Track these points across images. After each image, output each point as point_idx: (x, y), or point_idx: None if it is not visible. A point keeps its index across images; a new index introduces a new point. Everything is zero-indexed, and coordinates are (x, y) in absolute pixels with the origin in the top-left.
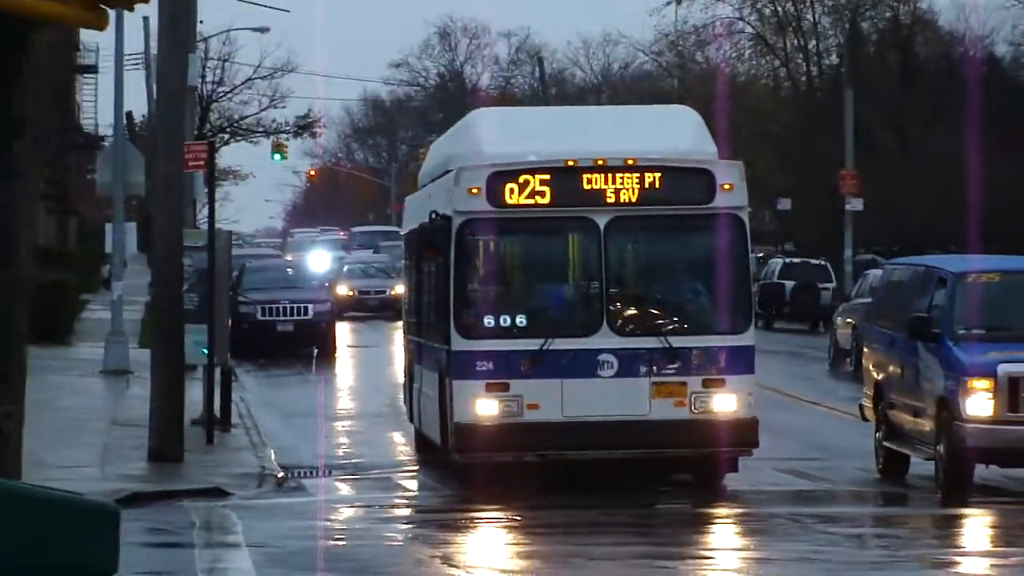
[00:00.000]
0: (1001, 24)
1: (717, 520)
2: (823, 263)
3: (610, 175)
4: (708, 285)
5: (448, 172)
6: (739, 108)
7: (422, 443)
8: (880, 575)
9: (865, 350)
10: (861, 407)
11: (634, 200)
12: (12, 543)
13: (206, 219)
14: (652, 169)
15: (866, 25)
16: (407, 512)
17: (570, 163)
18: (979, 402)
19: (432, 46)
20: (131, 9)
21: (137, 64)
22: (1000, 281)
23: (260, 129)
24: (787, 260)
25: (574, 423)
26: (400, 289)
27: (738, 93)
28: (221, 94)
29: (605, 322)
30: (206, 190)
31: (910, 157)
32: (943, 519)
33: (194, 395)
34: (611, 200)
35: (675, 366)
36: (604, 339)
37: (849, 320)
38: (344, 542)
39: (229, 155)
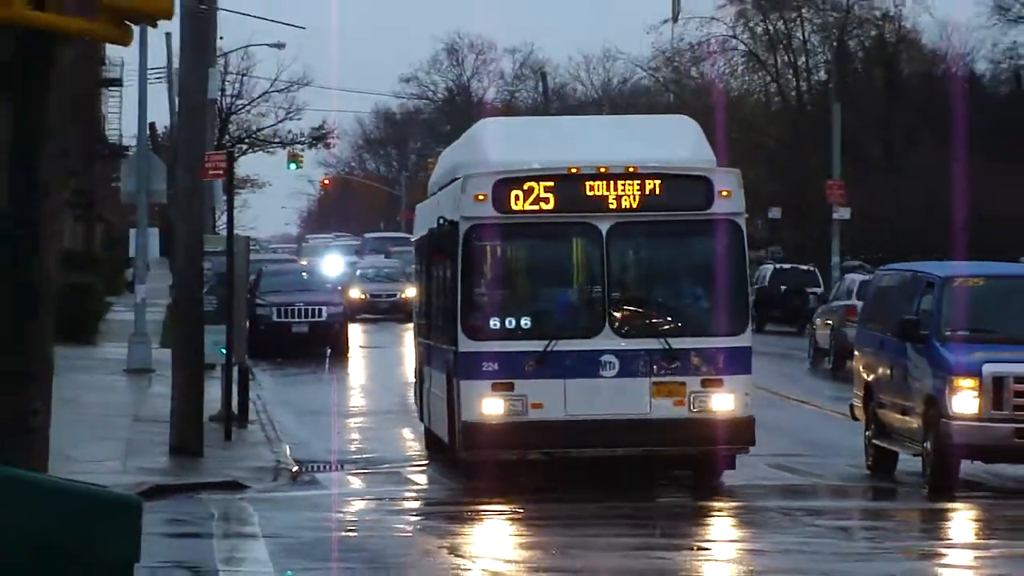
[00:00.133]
0: (981, 43)
1: (713, 513)
2: (812, 269)
3: (612, 182)
4: (707, 288)
5: (455, 180)
6: (732, 121)
7: (431, 441)
8: (866, 566)
9: (856, 352)
10: (851, 407)
11: (635, 206)
12: (40, 533)
13: (225, 225)
14: (652, 176)
15: (853, 43)
16: (416, 505)
17: (573, 171)
18: (965, 400)
19: (440, 61)
20: (155, 26)
21: (160, 78)
22: (985, 285)
23: (276, 140)
24: (777, 266)
25: (577, 422)
26: (410, 292)
27: (731, 107)
28: (240, 106)
29: (607, 324)
30: (225, 198)
31: (895, 168)
32: (929, 512)
33: (213, 393)
34: (613, 206)
35: (675, 367)
36: (606, 340)
37: (828, 321)
38: (356, 533)
39: (247, 164)
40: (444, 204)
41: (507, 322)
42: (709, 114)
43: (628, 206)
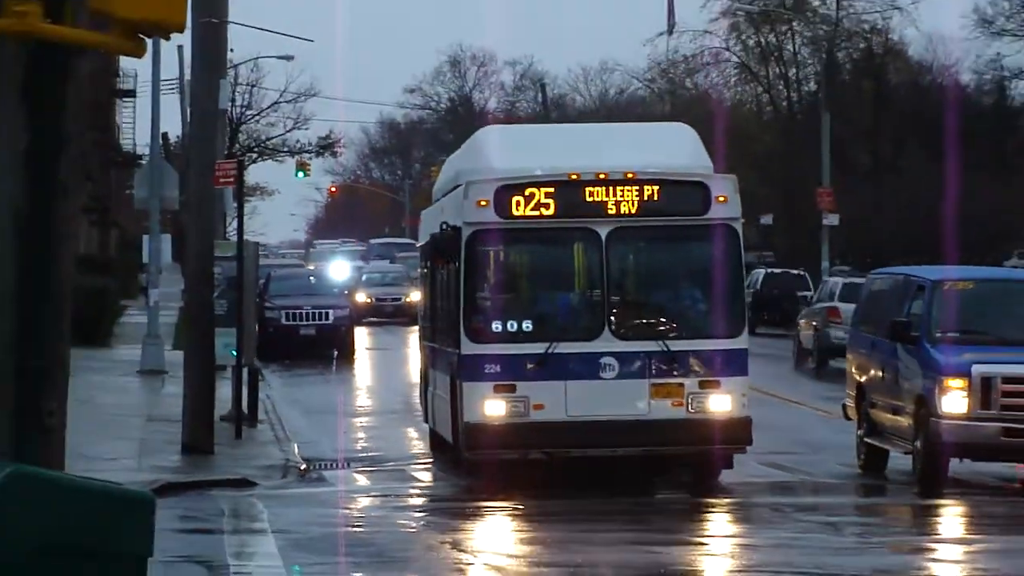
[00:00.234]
0: (966, 55)
1: (708, 509)
2: (802, 273)
3: (611, 188)
4: (704, 292)
5: (458, 186)
6: (725, 130)
7: (436, 441)
8: (856, 559)
9: (848, 353)
10: (844, 406)
11: (634, 212)
12: (56, 529)
13: (235, 231)
14: (651, 182)
15: (842, 55)
16: (420, 501)
17: (573, 177)
18: (954, 400)
19: (443, 73)
20: (167, 38)
21: (172, 89)
22: (974, 288)
23: (285, 149)
24: (769, 270)
25: (577, 422)
26: (414, 296)
27: (724, 117)
28: (249, 116)
29: (607, 327)
30: (235, 204)
31: (882, 176)
32: (918, 509)
33: (224, 393)
34: (612, 212)
35: (673, 368)
36: (606, 343)
37: (812, 323)
38: (362, 528)
39: (256, 172)
40: (447, 210)
41: (509, 325)
42: (703, 123)
43: (627, 211)
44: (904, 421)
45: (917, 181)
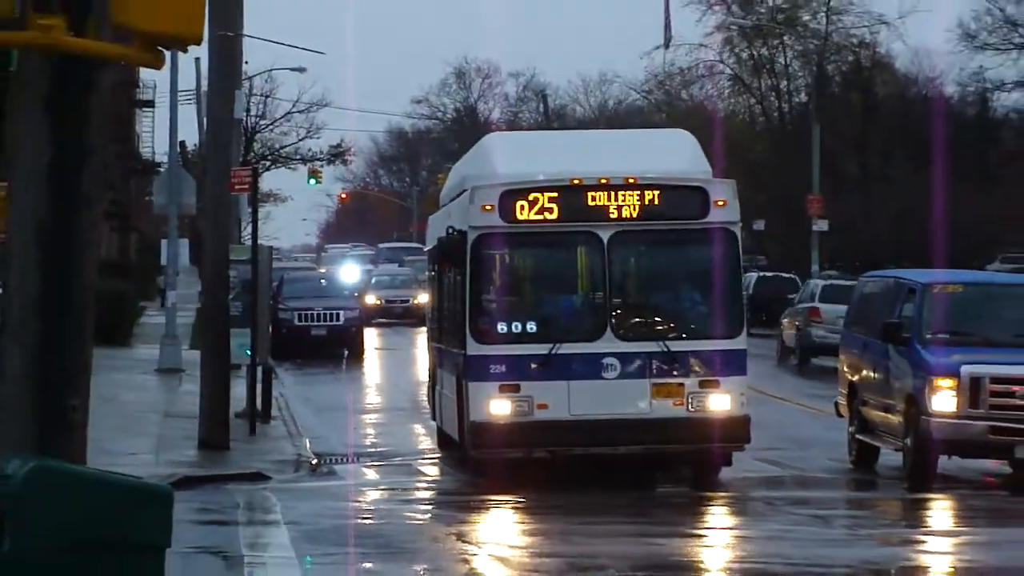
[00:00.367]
0: (950, 68)
1: (705, 504)
2: (793, 277)
3: (613, 193)
4: (703, 294)
5: (464, 191)
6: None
7: (443, 439)
8: (846, 551)
9: (840, 354)
10: (836, 404)
11: (635, 216)
12: (79, 520)
13: (250, 236)
14: (651, 187)
15: (831, 68)
16: (427, 495)
17: (576, 182)
18: (944, 399)
19: (449, 84)
20: (185, 51)
21: (190, 99)
22: (963, 292)
23: (298, 157)
24: (761, 274)
25: (580, 421)
26: (422, 298)
27: (719, 127)
28: (263, 126)
29: (609, 328)
30: (250, 210)
31: (870, 184)
32: (907, 503)
33: (238, 391)
34: (614, 216)
35: (673, 368)
36: (608, 344)
37: (795, 322)
38: (371, 520)
39: (270, 179)
40: (454, 214)
41: (513, 326)
42: (698, 133)
43: (628, 215)
44: (895, 419)
45: (904, 190)
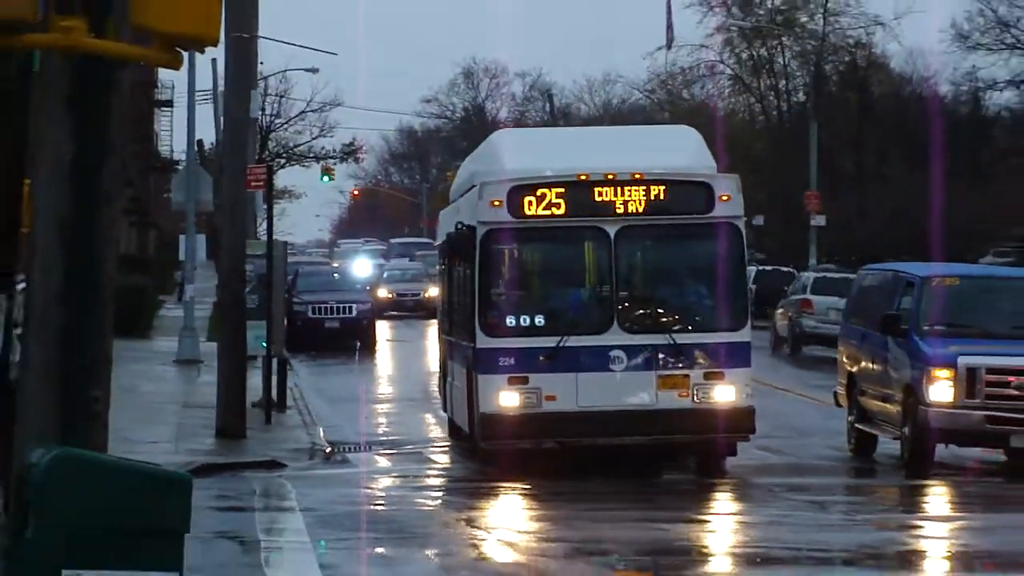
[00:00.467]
0: (944, 67)
1: (709, 491)
2: (791, 270)
3: (619, 188)
4: (708, 287)
5: (473, 187)
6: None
7: (454, 430)
8: (843, 536)
9: (840, 345)
10: (835, 394)
11: (641, 211)
12: (101, 507)
13: (265, 231)
14: (657, 182)
15: (829, 68)
16: (437, 482)
17: (583, 177)
18: (941, 389)
19: (458, 84)
20: (202, 52)
21: (207, 99)
22: (960, 284)
23: (311, 155)
24: (760, 267)
25: (588, 413)
26: (432, 292)
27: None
28: (278, 125)
29: (615, 321)
30: (265, 207)
31: (866, 180)
32: (905, 490)
33: (254, 382)
34: (620, 211)
35: (679, 360)
36: (614, 336)
37: (788, 313)
38: (383, 507)
39: (284, 177)
40: (463, 210)
41: (522, 320)
42: (699, 131)
43: (634, 210)
44: (893, 408)
45: (899, 187)
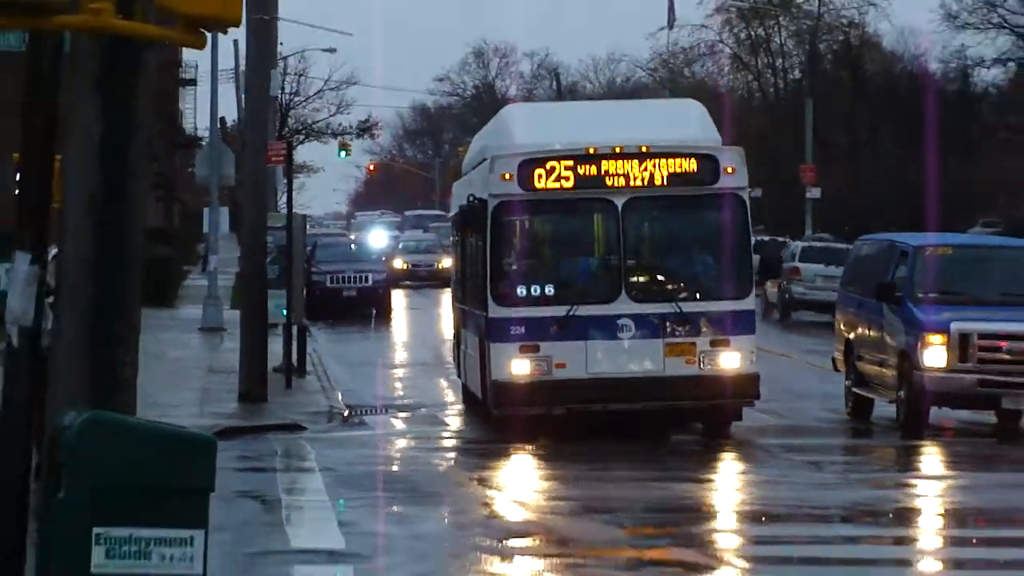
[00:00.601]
0: (933, 45)
1: (713, 452)
2: (786, 240)
3: (626, 161)
4: (714, 257)
5: (485, 161)
6: (720, 114)
7: (467, 396)
8: (839, 494)
9: (837, 312)
10: (833, 360)
11: (648, 182)
12: (131, 468)
13: (285, 204)
14: (663, 155)
15: (823, 46)
16: (451, 443)
17: (591, 151)
18: (935, 354)
19: (469, 64)
20: (225, 32)
21: (229, 78)
22: (952, 254)
23: (329, 131)
24: (757, 238)
25: (597, 380)
26: (445, 262)
27: (719, 102)
28: (297, 103)
29: (623, 290)
30: (285, 181)
31: (859, 154)
32: (900, 450)
33: (275, 348)
34: (627, 183)
35: (685, 328)
36: (623, 305)
37: (779, 281)
38: (399, 467)
39: (303, 152)
40: (475, 183)
41: (532, 290)
42: None
43: (641, 182)
44: (889, 373)
45: (890, 161)
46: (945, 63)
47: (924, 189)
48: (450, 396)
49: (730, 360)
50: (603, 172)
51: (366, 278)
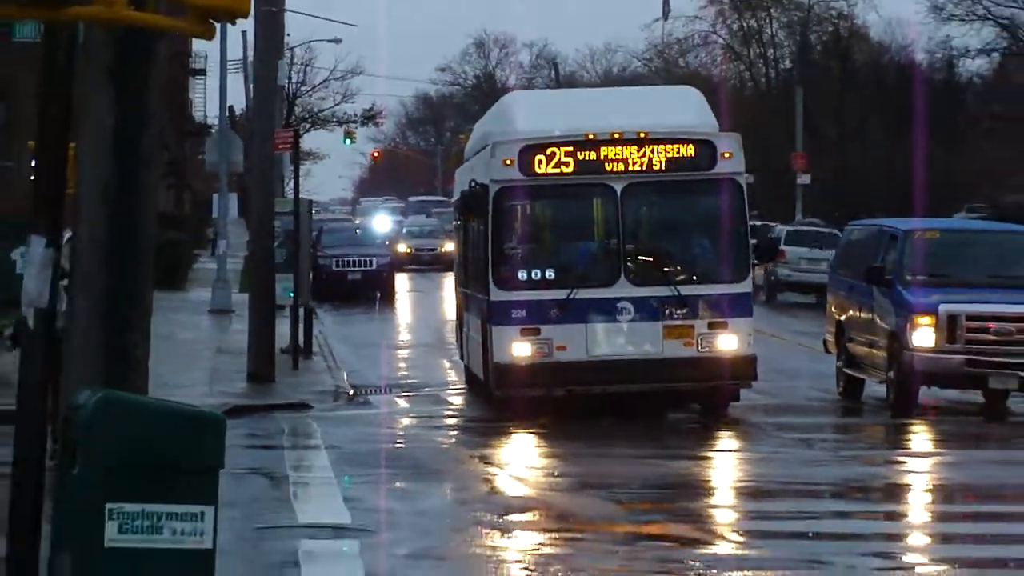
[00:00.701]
0: (920, 36)
1: (710, 431)
2: (772, 225)
3: (625, 146)
4: (711, 241)
5: (486, 147)
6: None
7: (470, 377)
8: (830, 471)
9: (828, 295)
10: (825, 341)
11: (646, 168)
12: (143, 445)
13: (292, 190)
14: (662, 141)
15: (813, 37)
16: (453, 422)
17: (590, 137)
18: (924, 335)
19: (470, 54)
20: (234, 23)
21: (237, 68)
22: (940, 238)
23: (334, 119)
24: (751, 223)
25: (597, 362)
26: (448, 247)
27: (712, 91)
28: (303, 92)
29: (623, 274)
30: (292, 167)
31: (847, 142)
32: (890, 428)
33: (283, 329)
34: (626, 168)
35: (684, 311)
36: (622, 289)
37: (767, 263)
38: (402, 445)
39: (310, 140)
40: (477, 169)
41: (533, 273)
42: None
43: (640, 168)
44: (879, 354)
45: (878, 149)
46: (931, 54)
47: (911, 176)
48: (452, 376)
49: (728, 342)
50: (602, 157)
51: (371, 262)
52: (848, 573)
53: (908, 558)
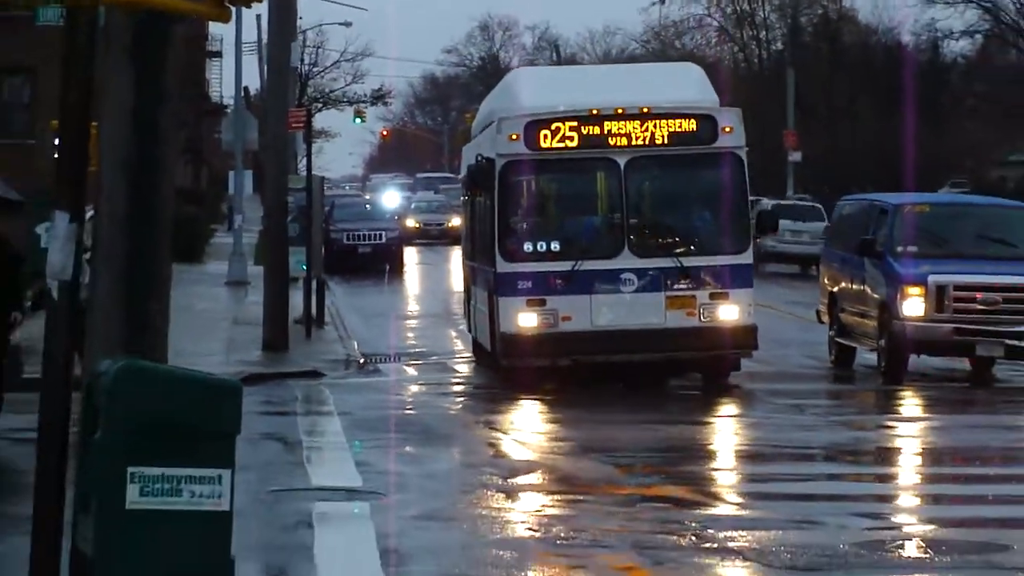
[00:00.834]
0: (906, 19)
1: (705, 397)
2: (762, 199)
3: (628, 121)
4: (713, 213)
5: (492, 123)
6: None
7: (477, 348)
8: (822, 435)
9: (821, 267)
10: (817, 312)
11: (649, 142)
12: (163, 411)
13: (305, 167)
14: (664, 116)
15: (804, 20)
16: (460, 389)
17: (594, 112)
18: (913, 305)
19: (475, 36)
20: (249, 7)
21: (252, 50)
22: (929, 211)
23: (345, 99)
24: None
25: (602, 332)
26: (455, 221)
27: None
28: (315, 73)
29: (626, 246)
30: (304, 145)
31: (837, 121)
32: (880, 394)
33: (296, 301)
34: (629, 143)
35: (686, 282)
36: (626, 260)
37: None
38: (411, 411)
39: (321, 119)
40: (483, 144)
41: (539, 246)
42: None
43: (643, 142)
44: (870, 323)
45: (866, 127)
46: (917, 35)
47: (899, 153)
48: (459, 345)
49: (729, 312)
50: (606, 132)
51: (380, 236)
52: (840, 532)
53: (897, 518)
